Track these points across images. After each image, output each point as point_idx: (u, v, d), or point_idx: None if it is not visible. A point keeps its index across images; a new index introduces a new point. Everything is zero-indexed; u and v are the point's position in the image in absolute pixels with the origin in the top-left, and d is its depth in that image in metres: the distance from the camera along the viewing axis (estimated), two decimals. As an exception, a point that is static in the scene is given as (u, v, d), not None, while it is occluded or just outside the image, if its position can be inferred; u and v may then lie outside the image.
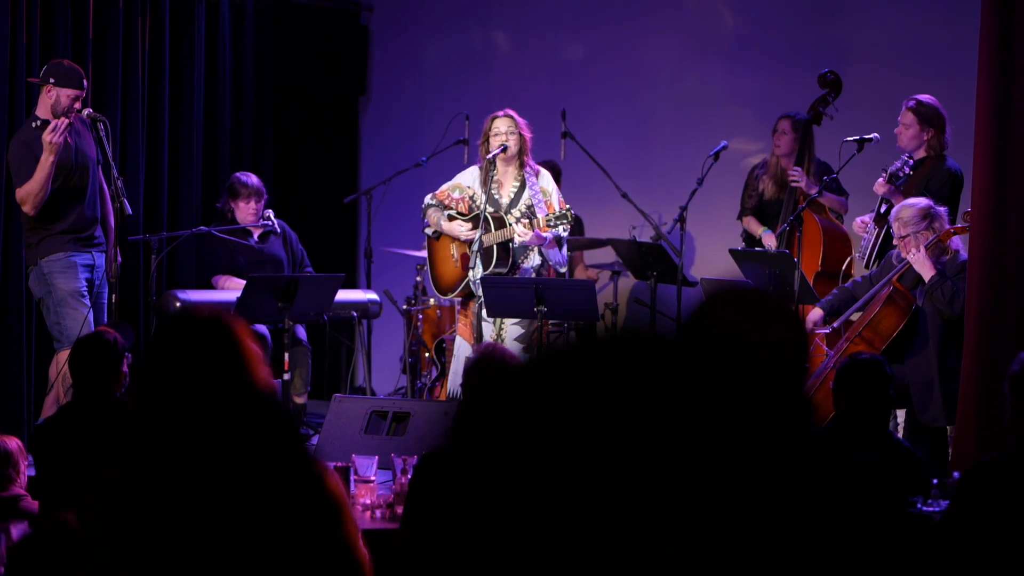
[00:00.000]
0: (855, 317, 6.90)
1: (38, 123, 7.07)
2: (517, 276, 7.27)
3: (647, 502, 1.05)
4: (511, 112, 7.35)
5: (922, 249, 6.59)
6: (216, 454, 2.69)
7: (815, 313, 6.96)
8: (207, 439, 2.70)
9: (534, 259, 7.32)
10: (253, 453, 2.71)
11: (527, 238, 7.11)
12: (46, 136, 6.95)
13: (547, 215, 7.13)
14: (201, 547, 2.65)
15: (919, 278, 6.71)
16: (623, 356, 1.12)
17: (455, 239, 7.45)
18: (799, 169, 7.89)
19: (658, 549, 1.04)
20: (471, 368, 4.33)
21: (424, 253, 8.79)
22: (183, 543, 2.65)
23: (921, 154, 7.26)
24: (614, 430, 1.06)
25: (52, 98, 7.15)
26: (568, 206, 7.16)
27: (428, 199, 7.51)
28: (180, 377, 2.76)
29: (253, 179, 8.35)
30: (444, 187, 7.51)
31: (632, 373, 1.10)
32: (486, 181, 7.32)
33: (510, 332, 7.22)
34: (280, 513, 2.69)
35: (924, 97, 7.29)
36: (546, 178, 7.40)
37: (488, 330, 7.26)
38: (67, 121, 7.00)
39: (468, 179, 7.44)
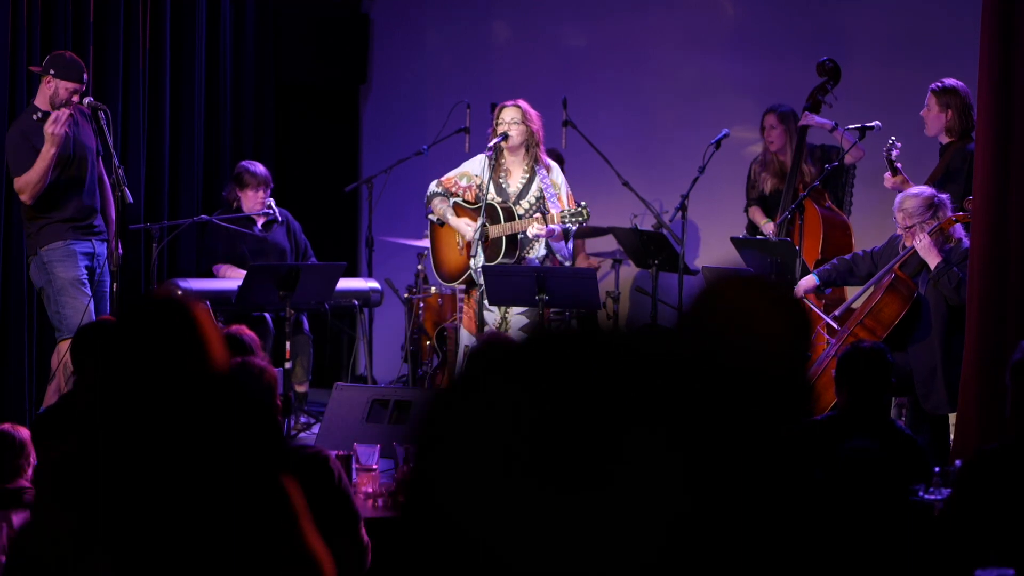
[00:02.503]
0: (857, 305, 6.90)
1: (38, 115, 7.05)
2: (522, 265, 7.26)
3: (613, 453, 1.26)
4: (521, 102, 7.31)
5: (927, 236, 6.59)
6: (174, 437, 2.70)
7: (808, 280, 6.92)
8: (165, 422, 2.71)
9: (539, 250, 7.30)
10: (212, 437, 2.71)
11: (542, 233, 7.10)
12: (48, 127, 6.94)
13: (562, 211, 7.10)
14: (154, 527, 2.65)
15: (921, 265, 6.71)
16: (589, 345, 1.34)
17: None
18: (809, 115, 7.89)
19: (621, 489, 1.25)
20: (473, 356, 4.32)
21: (425, 242, 8.78)
22: (134, 523, 2.65)
23: (944, 139, 7.23)
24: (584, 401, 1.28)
25: (51, 89, 7.15)
26: (584, 203, 7.11)
27: (433, 186, 7.48)
28: (140, 361, 2.77)
29: (260, 168, 8.37)
30: (451, 174, 7.48)
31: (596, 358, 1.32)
32: (493, 170, 7.32)
33: (514, 321, 7.21)
34: (238, 494, 2.69)
35: (947, 80, 7.24)
36: (556, 172, 7.38)
37: (491, 319, 7.24)
38: (68, 112, 7.00)
39: (476, 167, 7.41)
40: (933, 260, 6.58)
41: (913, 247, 6.69)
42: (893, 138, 7.19)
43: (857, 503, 4.21)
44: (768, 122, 8.14)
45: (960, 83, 7.18)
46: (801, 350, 1.99)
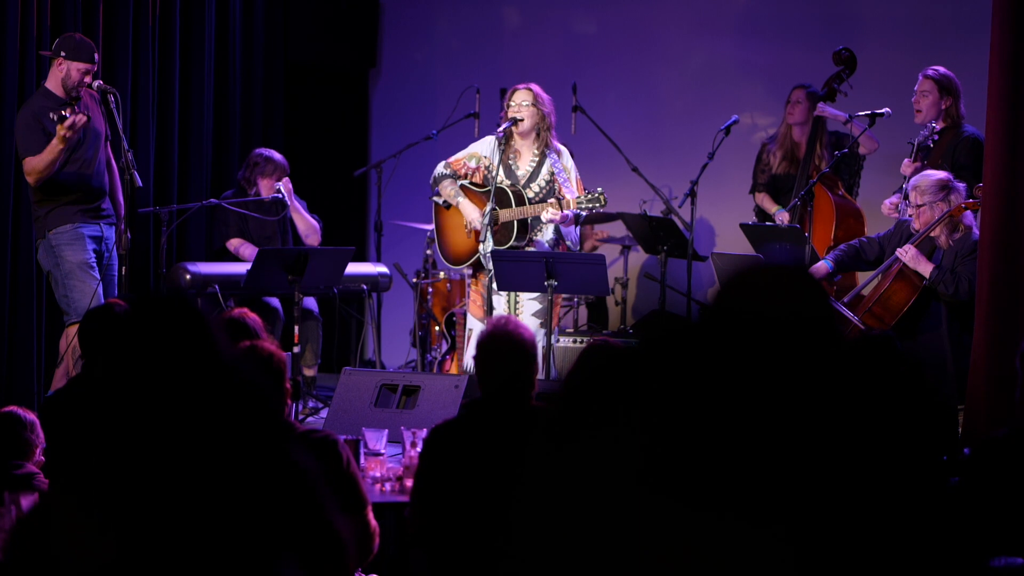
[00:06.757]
0: (866, 292, 6.89)
1: (55, 117, 7.01)
2: (532, 249, 7.23)
3: None
4: (533, 86, 7.25)
5: (912, 247, 6.61)
6: (185, 435, 2.70)
7: (821, 266, 6.94)
8: (175, 420, 2.71)
9: (548, 234, 7.27)
10: (220, 434, 2.71)
11: (556, 219, 7.05)
12: (62, 131, 6.92)
13: (578, 197, 7.05)
14: (166, 524, 2.65)
15: (930, 253, 6.69)
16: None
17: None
18: (823, 105, 7.87)
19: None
20: (484, 341, 4.31)
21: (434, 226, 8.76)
22: (148, 518, 2.66)
23: (940, 124, 7.24)
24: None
25: (63, 71, 7.14)
26: (601, 190, 7.03)
27: (441, 167, 7.38)
28: (148, 358, 2.76)
29: (278, 156, 8.35)
30: (459, 155, 7.39)
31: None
32: (502, 153, 7.27)
33: (526, 307, 7.19)
34: (251, 490, 2.69)
35: (940, 68, 7.28)
36: (567, 156, 7.33)
37: (501, 303, 7.22)
38: (85, 119, 6.97)
39: (485, 148, 7.34)
40: (924, 269, 6.59)
41: (922, 233, 6.68)
42: (933, 123, 7.20)
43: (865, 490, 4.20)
44: (796, 96, 8.14)
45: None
46: (830, 328, 1.96)
